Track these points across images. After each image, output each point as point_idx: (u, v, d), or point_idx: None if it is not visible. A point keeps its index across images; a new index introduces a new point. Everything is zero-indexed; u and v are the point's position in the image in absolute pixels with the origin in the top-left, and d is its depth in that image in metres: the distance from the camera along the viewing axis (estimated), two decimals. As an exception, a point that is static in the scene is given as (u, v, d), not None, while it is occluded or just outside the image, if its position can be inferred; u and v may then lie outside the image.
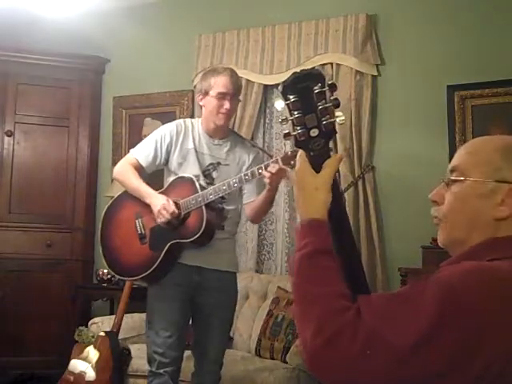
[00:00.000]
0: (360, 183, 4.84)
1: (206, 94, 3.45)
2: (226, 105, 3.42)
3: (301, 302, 1.27)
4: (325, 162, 1.40)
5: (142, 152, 3.53)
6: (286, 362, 4.13)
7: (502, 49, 4.61)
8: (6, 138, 5.65)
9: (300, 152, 1.42)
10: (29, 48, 5.76)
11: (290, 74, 1.34)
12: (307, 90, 1.33)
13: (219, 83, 3.41)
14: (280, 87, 1.35)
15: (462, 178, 1.38)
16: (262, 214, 3.71)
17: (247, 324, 4.71)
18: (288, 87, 1.34)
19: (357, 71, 4.90)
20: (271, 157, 3.39)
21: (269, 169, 3.20)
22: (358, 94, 4.88)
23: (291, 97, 1.34)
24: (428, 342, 1.12)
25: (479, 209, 1.35)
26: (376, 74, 4.92)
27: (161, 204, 3.33)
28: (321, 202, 1.38)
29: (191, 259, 3.40)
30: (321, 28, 5.04)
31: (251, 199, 3.54)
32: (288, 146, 5.21)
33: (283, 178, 3.30)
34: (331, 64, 4.99)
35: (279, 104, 1.31)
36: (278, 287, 4.67)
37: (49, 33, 5.95)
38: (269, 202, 3.51)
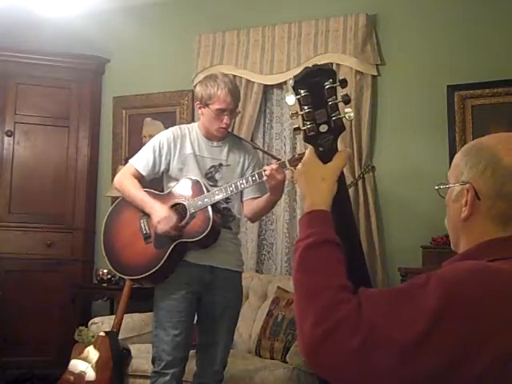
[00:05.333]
0: (360, 183, 4.85)
1: (206, 105, 3.45)
2: (226, 119, 3.44)
3: (301, 292, 1.27)
4: (333, 157, 1.41)
5: (141, 161, 3.54)
6: (286, 362, 4.12)
7: (502, 49, 4.62)
8: (6, 138, 5.65)
9: (309, 148, 1.43)
10: (29, 48, 5.76)
11: (302, 68, 1.34)
12: (318, 85, 1.33)
13: (219, 99, 3.40)
14: (291, 81, 1.35)
15: (442, 186, 1.44)
16: (261, 215, 3.76)
17: (247, 324, 4.71)
18: (299, 82, 1.34)
19: (357, 71, 4.91)
20: (278, 159, 3.40)
21: (271, 166, 3.23)
22: (357, 94, 4.88)
23: (302, 91, 1.34)
24: (429, 338, 1.12)
25: (453, 213, 1.40)
26: (376, 74, 4.92)
27: (162, 216, 3.35)
28: (326, 192, 1.40)
29: (203, 259, 3.42)
30: (321, 28, 5.04)
31: (250, 196, 3.57)
32: (288, 146, 5.21)
33: (284, 180, 3.33)
34: (331, 64, 4.99)
35: (290, 99, 1.30)
36: (278, 287, 4.67)
37: (49, 33, 5.95)
38: (271, 205, 3.54)
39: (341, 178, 1.43)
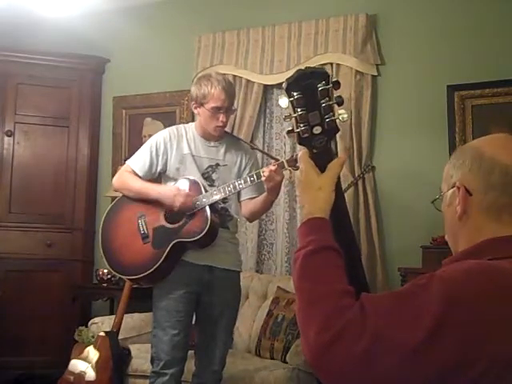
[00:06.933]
0: (360, 183, 4.84)
1: (201, 105, 3.46)
2: (221, 118, 3.45)
3: (304, 300, 1.26)
4: (327, 159, 1.42)
5: (138, 162, 3.55)
6: (286, 362, 4.13)
7: (502, 49, 4.62)
8: (6, 138, 5.66)
9: (302, 152, 1.43)
10: (29, 48, 5.77)
11: (295, 71, 1.34)
12: (311, 88, 1.33)
13: (214, 97, 3.41)
14: (284, 84, 1.35)
15: (437, 197, 1.47)
16: (259, 215, 3.76)
17: (247, 324, 4.71)
18: (292, 84, 1.34)
19: (357, 71, 4.90)
20: (276, 160, 3.40)
21: (270, 167, 3.23)
22: (357, 94, 4.88)
23: (295, 94, 1.34)
24: (433, 340, 1.12)
25: (450, 217, 1.41)
26: (376, 74, 4.92)
27: (173, 193, 3.37)
28: (324, 201, 1.40)
29: (202, 259, 3.43)
30: (321, 28, 5.03)
31: (247, 196, 3.57)
32: (288, 146, 5.21)
33: (282, 180, 3.33)
34: (331, 64, 4.99)
35: (283, 101, 1.30)
36: (278, 287, 4.67)
37: (49, 33, 5.96)
38: (268, 205, 3.55)
39: (337, 186, 1.43)
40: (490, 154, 1.34)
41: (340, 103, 1.34)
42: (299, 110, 1.35)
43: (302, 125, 1.36)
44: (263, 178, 3.27)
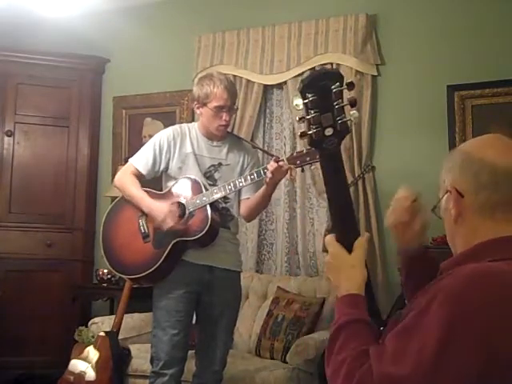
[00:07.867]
0: (360, 183, 4.85)
1: (204, 104, 3.46)
2: (224, 117, 3.45)
3: (332, 363, 1.34)
4: (336, 160, 1.42)
5: (141, 160, 3.55)
6: (286, 362, 4.13)
7: (502, 49, 4.62)
8: (6, 138, 5.65)
9: (328, 237, 1.50)
10: (29, 48, 5.76)
11: (308, 72, 1.35)
12: (325, 89, 1.33)
13: (216, 96, 3.41)
14: (299, 85, 1.35)
15: (435, 204, 1.51)
16: (256, 212, 3.74)
17: (247, 324, 4.72)
18: (307, 86, 1.34)
19: (357, 71, 4.91)
20: (277, 158, 3.40)
21: (274, 165, 3.22)
22: (357, 94, 4.87)
23: (309, 95, 1.34)
24: (442, 365, 1.13)
25: (447, 222, 1.44)
26: (376, 73, 4.92)
27: (164, 213, 3.36)
28: (358, 277, 1.47)
29: (202, 259, 3.43)
30: (321, 28, 5.04)
31: (247, 195, 3.57)
32: (288, 146, 5.21)
33: (284, 177, 3.33)
34: (331, 64, 4.98)
35: (298, 102, 1.31)
36: (278, 287, 4.67)
37: (49, 33, 5.95)
38: (265, 200, 3.53)
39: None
40: (479, 154, 1.36)
41: (353, 104, 1.35)
42: (312, 112, 1.35)
43: (314, 127, 1.37)
44: (268, 174, 3.25)
